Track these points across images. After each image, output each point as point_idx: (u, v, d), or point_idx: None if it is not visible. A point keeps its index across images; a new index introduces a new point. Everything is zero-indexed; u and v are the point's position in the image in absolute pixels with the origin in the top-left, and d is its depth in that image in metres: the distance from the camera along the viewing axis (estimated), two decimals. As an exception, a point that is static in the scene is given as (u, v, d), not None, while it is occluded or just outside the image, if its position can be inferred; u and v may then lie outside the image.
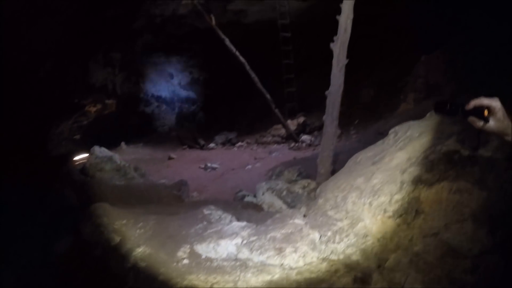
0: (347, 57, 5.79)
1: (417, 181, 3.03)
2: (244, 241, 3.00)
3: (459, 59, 8.00)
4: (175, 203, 5.88)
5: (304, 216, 3.47)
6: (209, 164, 9.14)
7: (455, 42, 8.45)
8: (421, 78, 9.16)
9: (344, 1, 5.71)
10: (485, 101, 1.57)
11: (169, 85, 14.16)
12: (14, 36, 5.33)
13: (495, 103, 1.56)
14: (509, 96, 3.50)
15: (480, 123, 1.58)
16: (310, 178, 6.09)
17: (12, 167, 4.90)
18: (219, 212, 3.71)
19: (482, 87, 4.96)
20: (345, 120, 9.85)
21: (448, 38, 8.66)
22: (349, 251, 2.85)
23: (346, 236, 2.94)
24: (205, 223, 3.49)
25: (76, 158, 8.32)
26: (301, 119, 11.54)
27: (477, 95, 1.68)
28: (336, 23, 5.83)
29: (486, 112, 1.56)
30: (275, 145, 10.92)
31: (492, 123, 1.56)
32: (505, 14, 6.38)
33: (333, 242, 2.91)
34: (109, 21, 8.80)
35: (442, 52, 8.73)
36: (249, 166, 8.80)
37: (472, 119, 1.59)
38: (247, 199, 5.80)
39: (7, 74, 5.36)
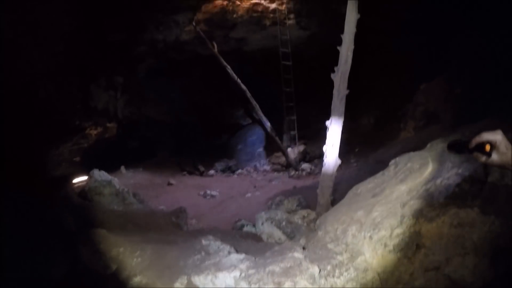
0: (348, 87, 5.84)
1: (418, 215, 3.00)
2: (243, 274, 2.96)
3: (459, 86, 8.07)
4: (173, 231, 5.82)
5: (304, 248, 3.43)
6: (208, 191, 9.11)
7: (454, 69, 8.53)
8: (421, 106, 9.22)
9: (345, 32, 5.79)
10: (485, 136, 1.59)
11: (170, 110, 14.22)
12: (15, 57, 5.39)
13: (496, 136, 1.58)
14: (510, 122, 3.53)
15: (483, 158, 1.60)
16: (310, 207, 6.06)
17: (8, 187, 4.86)
18: (218, 243, 3.67)
19: (482, 114, 4.99)
20: (345, 149, 9.84)
21: (447, 66, 8.76)
22: (349, 286, 2.81)
23: (346, 270, 2.90)
24: (203, 254, 3.45)
25: (75, 180, 8.29)
26: (301, 147, 11.55)
27: (478, 129, 1.71)
28: (336, 52, 5.90)
29: (487, 147, 1.58)
30: (275, 173, 10.92)
31: (495, 157, 1.58)
32: (503, 41, 6.47)
33: (333, 276, 2.86)
34: (112, 45, 8.91)
35: (441, 80, 8.81)
36: (249, 194, 8.77)
37: (476, 154, 1.63)
38: (246, 228, 5.75)
39: (7, 95, 5.39)
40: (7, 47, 5.03)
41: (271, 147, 11.83)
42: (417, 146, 4.98)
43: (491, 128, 1.65)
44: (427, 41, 9.50)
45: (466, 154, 1.69)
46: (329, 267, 2.94)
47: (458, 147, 1.75)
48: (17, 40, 5.25)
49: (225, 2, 10.43)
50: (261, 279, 2.85)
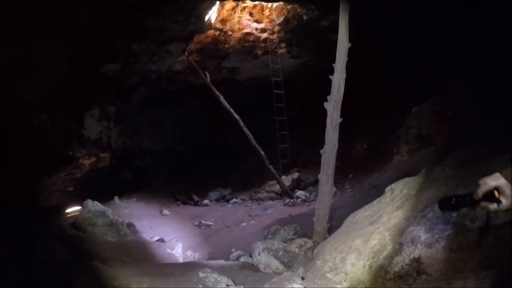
0: (341, 115, 5.88)
1: (417, 241, 3.00)
2: (242, 307, 2.91)
3: (451, 108, 8.15)
4: (168, 263, 5.74)
5: (302, 278, 3.39)
6: (203, 221, 9.01)
7: (445, 92, 8.64)
8: (413, 129, 9.27)
9: (336, 61, 5.88)
10: (491, 182, 1.54)
11: (163, 140, 14.21)
12: (9, 87, 5.40)
13: (499, 180, 1.53)
14: (503, 144, 3.56)
15: (494, 206, 1.53)
16: (307, 236, 6.00)
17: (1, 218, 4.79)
18: (215, 275, 3.60)
19: (475, 136, 5.05)
20: (340, 175, 9.87)
21: (438, 88, 8.87)
22: (350, 316, 2.77)
23: (347, 300, 2.87)
24: (200, 286, 3.39)
25: (68, 210, 8.20)
26: (296, 175, 11.54)
27: (473, 152, 1.70)
28: (328, 80, 5.98)
29: (496, 194, 1.51)
30: (270, 201, 10.85)
31: (504, 202, 1.51)
32: (495, 63, 6.59)
33: (334, 306, 2.83)
34: (105, 76, 8.97)
35: (432, 103, 8.90)
36: (244, 224, 8.68)
37: (484, 205, 1.55)
38: (242, 259, 5.66)
39: (1, 125, 5.40)
40: (2, 77, 5.06)
41: (265, 175, 11.79)
42: (411, 170, 5.02)
43: (485, 151, 1.63)
44: (418, 63, 9.65)
45: (468, 208, 1.63)
46: (329, 297, 2.90)
47: (456, 204, 1.64)
48: (11, 70, 5.28)
49: (217, 33, 10.60)
50: (261, 311, 2.80)
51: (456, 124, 7.58)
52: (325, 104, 5.92)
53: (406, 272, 2.87)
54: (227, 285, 3.38)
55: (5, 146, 5.48)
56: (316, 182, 10.70)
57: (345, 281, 3.10)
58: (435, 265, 2.81)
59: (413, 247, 2.96)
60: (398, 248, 3.02)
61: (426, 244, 2.93)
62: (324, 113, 6.03)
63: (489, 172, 3.15)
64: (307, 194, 10.57)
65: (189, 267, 4.70)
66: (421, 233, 3.04)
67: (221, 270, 3.94)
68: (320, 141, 6.12)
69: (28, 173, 7.07)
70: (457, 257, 2.76)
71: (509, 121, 4.52)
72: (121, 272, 3.97)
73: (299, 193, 10.66)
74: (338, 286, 3.04)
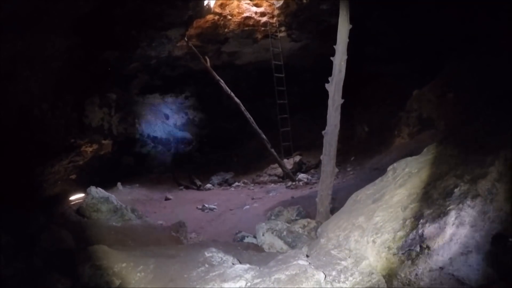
0: (342, 97, 5.89)
1: (420, 217, 3.04)
2: (248, 284, 2.95)
3: (451, 91, 8.16)
4: (174, 245, 5.80)
5: (307, 256, 3.44)
6: (206, 205, 9.07)
7: (445, 75, 8.64)
8: (414, 112, 9.30)
9: (337, 43, 5.87)
10: None
11: (164, 125, 14.26)
12: (10, 79, 5.41)
13: None
14: (503, 125, 3.58)
15: None
16: (309, 217, 6.07)
17: (5, 208, 4.83)
18: (220, 255, 3.65)
19: (474, 117, 5.08)
20: (341, 157, 9.90)
21: (439, 72, 8.87)
22: (355, 290, 2.83)
23: (351, 275, 2.92)
24: (206, 266, 3.44)
25: (72, 198, 8.25)
26: (297, 158, 11.59)
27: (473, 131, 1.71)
28: (328, 63, 5.97)
29: None
30: (272, 184, 10.91)
31: None
32: (496, 47, 6.58)
33: (338, 281, 2.88)
34: (105, 62, 8.94)
35: (433, 86, 8.91)
36: (247, 206, 8.74)
37: None
38: (247, 240, 5.73)
39: (2, 116, 5.41)
40: (1, 68, 5.05)
41: (267, 159, 11.85)
42: (413, 151, 5.05)
43: (486, 131, 1.60)
44: (419, 46, 9.61)
45: None
46: (334, 273, 2.95)
47: None
48: (11, 62, 5.28)
49: (216, 17, 10.54)
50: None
51: (456, 106, 7.60)
52: (326, 85, 5.92)
53: (409, 246, 2.92)
54: (233, 264, 3.43)
55: (7, 137, 5.49)
56: (317, 165, 10.77)
57: (349, 257, 3.14)
58: (438, 240, 2.85)
59: (416, 222, 3.00)
60: (402, 224, 3.07)
61: (429, 219, 2.97)
62: (325, 97, 6.03)
63: (490, 151, 3.19)
64: (309, 177, 10.62)
65: (194, 248, 4.76)
66: (424, 208, 3.09)
67: (226, 250, 4.00)
68: (321, 125, 6.14)
69: (31, 163, 7.10)
70: (460, 232, 2.81)
71: (509, 102, 4.53)
72: (127, 254, 4.02)
73: (301, 176, 10.72)
74: (342, 262, 3.08)
